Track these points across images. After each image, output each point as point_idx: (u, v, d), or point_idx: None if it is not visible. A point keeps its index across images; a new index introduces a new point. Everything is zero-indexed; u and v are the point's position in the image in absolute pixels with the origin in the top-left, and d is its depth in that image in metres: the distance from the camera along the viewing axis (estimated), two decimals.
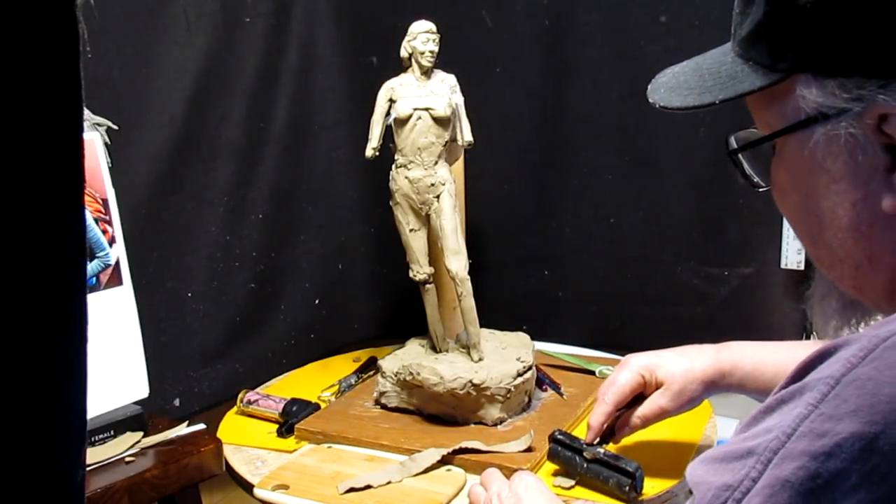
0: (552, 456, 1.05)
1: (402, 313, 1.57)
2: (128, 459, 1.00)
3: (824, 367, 0.48)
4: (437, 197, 1.25)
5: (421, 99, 1.23)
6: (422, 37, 1.23)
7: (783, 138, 0.59)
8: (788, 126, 0.58)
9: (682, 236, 1.49)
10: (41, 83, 0.33)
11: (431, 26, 1.24)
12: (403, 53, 1.25)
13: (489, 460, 1.07)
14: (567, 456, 1.03)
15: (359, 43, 1.55)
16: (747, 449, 0.49)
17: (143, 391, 1.08)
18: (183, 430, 1.08)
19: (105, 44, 1.21)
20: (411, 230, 1.27)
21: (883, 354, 0.46)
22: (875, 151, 0.54)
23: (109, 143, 1.09)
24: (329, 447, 1.17)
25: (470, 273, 1.26)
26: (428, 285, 1.30)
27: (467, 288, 1.25)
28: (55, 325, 0.35)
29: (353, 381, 1.38)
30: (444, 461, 1.09)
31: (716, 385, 0.99)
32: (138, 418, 1.06)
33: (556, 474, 1.05)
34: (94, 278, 1.02)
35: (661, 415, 1.00)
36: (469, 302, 1.26)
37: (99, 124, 1.10)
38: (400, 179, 1.25)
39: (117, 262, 1.04)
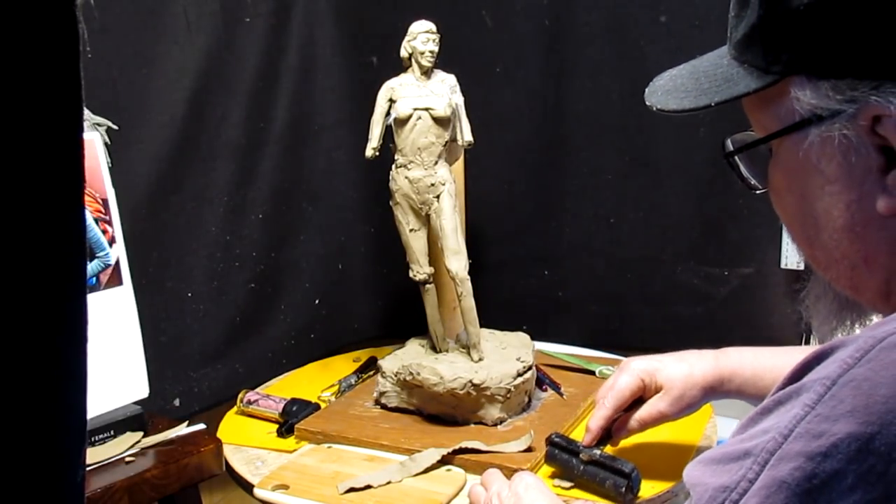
0: (549, 459, 1.05)
1: (402, 313, 1.58)
2: (128, 459, 1.00)
3: (821, 369, 0.48)
4: (437, 197, 1.25)
5: (421, 99, 1.23)
6: (422, 37, 1.23)
7: (778, 140, 0.60)
8: (783, 128, 0.59)
9: (682, 236, 1.49)
10: (41, 83, 0.33)
11: (431, 26, 1.24)
12: (403, 53, 1.25)
13: (489, 460, 1.07)
14: (564, 458, 1.03)
15: (359, 43, 1.55)
16: (744, 450, 0.49)
17: (143, 391, 1.08)
18: (183, 430, 1.08)
19: (105, 44, 1.21)
20: (411, 230, 1.28)
21: (879, 355, 0.46)
22: (869, 153, 0.54)
23: (109, 143, 1.09)
24: (329, 447, 1.17)
25: (470, 273, 1.26)
26: (428, 285, 1.30)
27: (467, 288, 1.25)
28: (55, 325, 0.35)
29: (353, 381, 1.38)
30: (444, 461, 1.09)
31: (715, 391, 0.99)
32: (138, 418, 1.06)
33: (553, 476, 1.05)
34: (94, 278, 1.02)
35: (660, 419, 1.00)
36: (469, 302, 1.26)
37: (99, 124, 1.10)
38: (400, 179, 1.25)
39: (117, 262, 1.04)
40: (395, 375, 1.24)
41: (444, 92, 1.24)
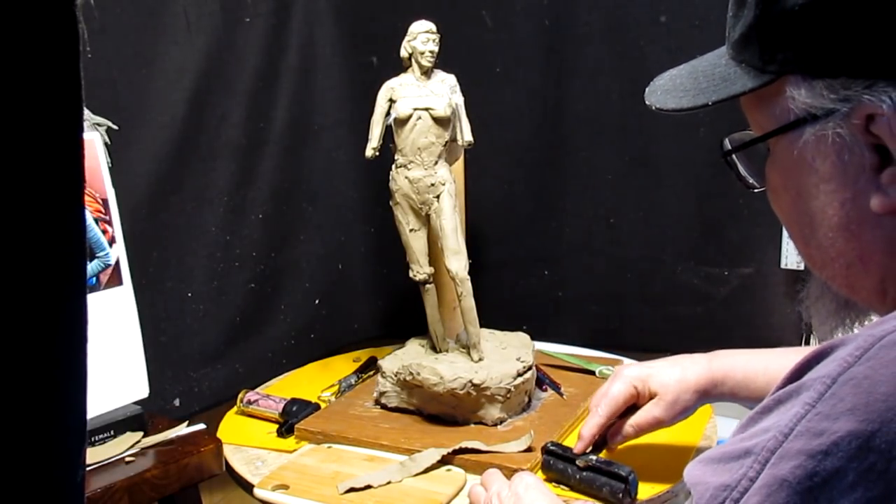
0: (545, 468, 1.04)
1: (402, 313, 1.58)
2: (128, 459, 1.00)
3: (821, 367, 0.49)
4: (437, 197, 1.25)
5: (421, 99, 1.23)
6: (422, 37, 1.23)
7: (775, 139, 0.60)
8: (779, 127, 0.59)
9: (682, 236, 1.49)
10: (41, 83, 0.33)
11: (431, 26, 1.24)
12: (403, 53, 1.25)
13: (489, 460, 1.07)
14: (560, 467, 1.03)
15: (359, 43, 1.55)
16: (745, 449, 0.49)
17: (143, 391, 1.08)
18: (183, 430, 1.08)
19: (105, 44, 1.21)
20: (411, 230, 1.28)
21: (878, 353, 0.46)
22: (862, 151, 0.55)
23: (109, 143, 1.09)
24: (329, 447, 1.17)
25: (470, 273, 1.26)
26: (428, 285, 1.30)
27: (467, 288, 1.25)
28: (55, 325, 0.35)
29: (353, 381, 1.38)
30: (444, 461, 1.09)
31: (708, 394, 1.00)
32: (138, 418, 1.06)
33: (548, 480, 1.04)
34: (94, 278, 1.02)
35: (656, 425, 1.01)
36: (469, 302, 1.26)
37: (99, 124, 1.10)
38: (400, 179, 1.25)
39: (117, 262, 1.04)
40: (395, 375, 1.24)
41: (444, 92, 1.24)
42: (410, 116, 1.23)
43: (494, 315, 1.36)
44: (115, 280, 1.04)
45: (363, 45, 1.55)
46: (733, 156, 0.66)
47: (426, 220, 1.27)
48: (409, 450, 1.12)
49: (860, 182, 0.56)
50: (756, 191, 0.66)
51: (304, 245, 1.54)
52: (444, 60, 1.26)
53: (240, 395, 1.30)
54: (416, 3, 1.40)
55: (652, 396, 1.01)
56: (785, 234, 1.39)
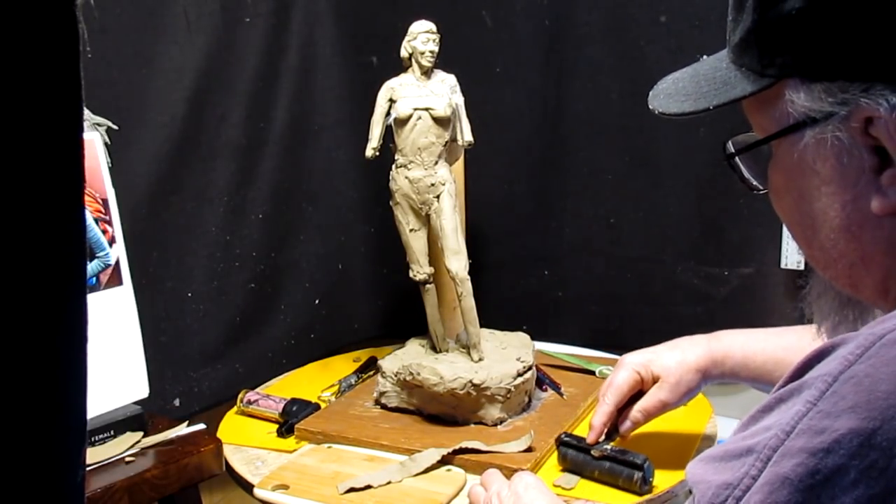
0: (562, 458, 1.07)
1: (402, 313, 1.58)
2: (128, 459, 1.00)
3: (822, 366, 0.49)
4: (437, 197, 1.25)
5: (421, 99, 1.23)
6: (422, 37, 1.23)
7: (777, 141, 0.61)
8: (779, 130, 0.60)
9: (682, 236, 1.49)
10: (41, 83, 0.33)
11: (431, 26, 1.24)
12: (403, 53, 1.25)
13: (489, 460, 1.07)
14: (576, 457, 1.05)
15: (359, 43, 1.55)
16: (747, 447, 0.50)
17: (143, 391, 1.08)
18: (183, 430, 1.08)
19: (105, 44, 1.21)
20: (411, 230, 1.27)
21: (879, 352, 0.47)
22: (861, 153, 0.55)
23: (109, 143, 1.09)
24: (329, 447, 1.17)
25: (470, 273, 1.26)
26: (428, 285, 1.30)
27: (467, 288, 1.25)
28: (55, 325, 0.35)
29: (353, 381, 1.38)
30: (444, 461, 1.09)
31: (709, 373, 1.02)
32: (138, 418, 1.06)
33: (564, 470, 1.06)
34: (94, 278, 1.02)
35: (662, 408, 1.04)
36: (469, 302, 1.26)
37: (99, 124, 1.10)
38: (400, 179, 1.25)
39: (117, 262, 1.04)
40: (395, 375, 1.24)
41: (444, 92, 1.24)
42: (410, 116, 1.22)
43: (494, 315, 1.36)
44: (115, 280, 1.04)
45: (363, 45, 1.55)
46: (736, 158, 0.66)
47: (426, 220, 1.27)
48: (409, 450, 1.12)
49: (860, 184, 0.56)
50: (759, 192, 0.67)
51: (304, 245, 1.54)
52: (444, 60, 1.26)
53: (240, 395, 1.30)
54: (416, 3, 1.40)
55: (655, 381, 1.04)
56: (785, 234, 1.39)
